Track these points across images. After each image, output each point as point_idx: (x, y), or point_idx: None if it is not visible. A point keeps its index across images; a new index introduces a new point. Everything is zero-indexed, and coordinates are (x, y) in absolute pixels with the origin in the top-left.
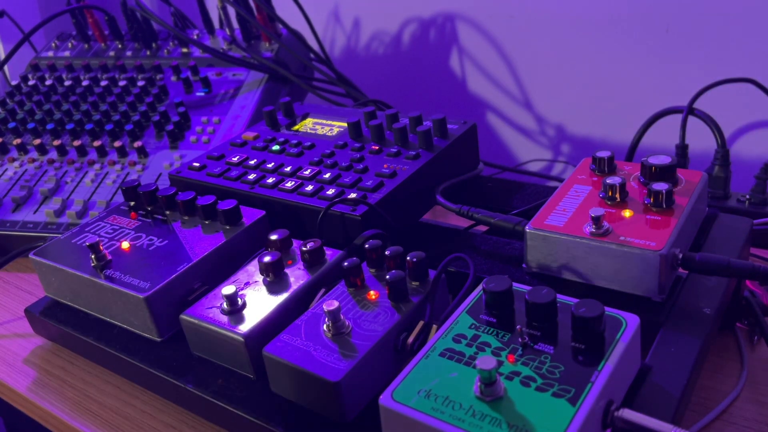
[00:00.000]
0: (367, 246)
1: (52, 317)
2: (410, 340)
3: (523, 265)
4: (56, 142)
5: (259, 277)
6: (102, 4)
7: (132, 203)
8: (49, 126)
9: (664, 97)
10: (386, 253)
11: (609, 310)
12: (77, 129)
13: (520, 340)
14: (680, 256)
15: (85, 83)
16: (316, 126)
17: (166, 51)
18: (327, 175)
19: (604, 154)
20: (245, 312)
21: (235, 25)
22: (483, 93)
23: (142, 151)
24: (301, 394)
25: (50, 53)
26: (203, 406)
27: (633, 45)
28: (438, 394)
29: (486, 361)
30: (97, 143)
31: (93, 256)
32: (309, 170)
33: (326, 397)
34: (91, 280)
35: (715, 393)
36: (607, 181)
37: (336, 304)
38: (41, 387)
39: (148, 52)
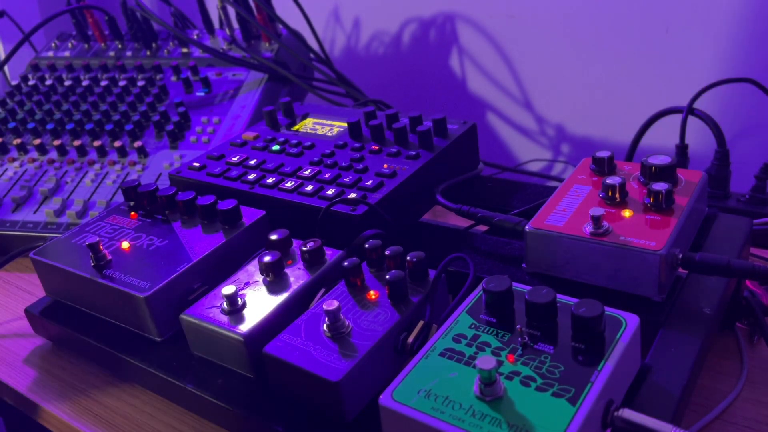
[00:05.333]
0: (367, 246)
1: (52, 317)
2: (410, 340)
3: (523, 265)
4: (56, 142)
5: (259, 277)
6: (102, 4)
7: (132, 203)
8: (49, 126)
9: (664, 97)
10: (386, 253)
11: (609, 310)
12: (77, 129)
13: (520, 340)
14: (680, 256)
15: (85, 83)
16: (316, 126)
17: (166, 51)
18: (327, 175)
19: (604, 154)
20: (245, 312)
21: (235, 25)
22: (483, 93)
23: (142, 151)
24: (301, 394)
25: (50, 53)
26: (203, 406)
27: (633, 45)
28: (438, 394)
29: (486, 361)
30: (97, 143)
31: (93, 256)
32: (309, 170)
33: (326, 397)
34: (91, 280)
35: (715, 393)
36: (607, 181)
37: (336, 304)
38: (41, 387)
39: (148, 52)
